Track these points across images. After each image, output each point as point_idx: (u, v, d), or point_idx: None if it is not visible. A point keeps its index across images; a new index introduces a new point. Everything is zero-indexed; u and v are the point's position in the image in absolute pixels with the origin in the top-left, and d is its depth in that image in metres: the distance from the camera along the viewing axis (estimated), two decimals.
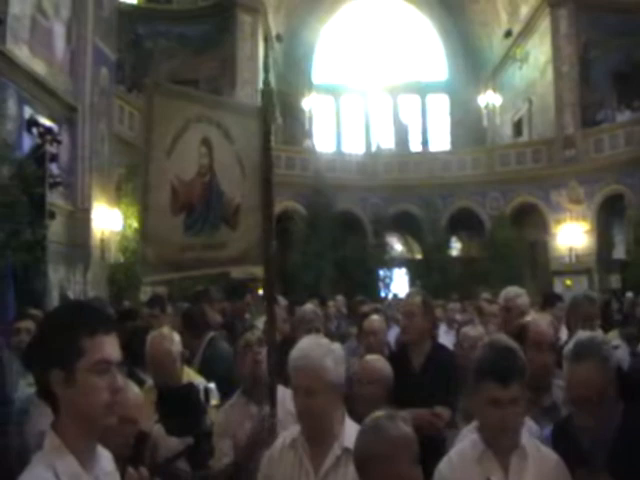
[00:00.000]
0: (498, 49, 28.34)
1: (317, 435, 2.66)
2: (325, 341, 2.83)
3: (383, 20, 32.06)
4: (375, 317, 5.57)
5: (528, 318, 3.91)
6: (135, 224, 14.85)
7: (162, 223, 2.94)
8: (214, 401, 3.11)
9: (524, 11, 25.25)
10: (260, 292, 14.86)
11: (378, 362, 3.84)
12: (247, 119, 3.45)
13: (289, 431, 2.80)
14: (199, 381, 3.53)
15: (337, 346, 2.83)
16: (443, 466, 2.55)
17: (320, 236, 20.77)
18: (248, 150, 3.38)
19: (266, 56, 3.93)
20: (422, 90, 32.21)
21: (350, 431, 2.59)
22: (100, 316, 1.79)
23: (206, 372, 4.26)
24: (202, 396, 2.71)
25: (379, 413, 2.36)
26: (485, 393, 2.41)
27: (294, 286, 17.52)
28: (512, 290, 5.04)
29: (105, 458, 1.84)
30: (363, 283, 18.91)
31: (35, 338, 1.85)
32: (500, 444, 2.45)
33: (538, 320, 3.65)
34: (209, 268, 3.34)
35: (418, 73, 32.28)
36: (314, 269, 19.77)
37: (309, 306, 6.24)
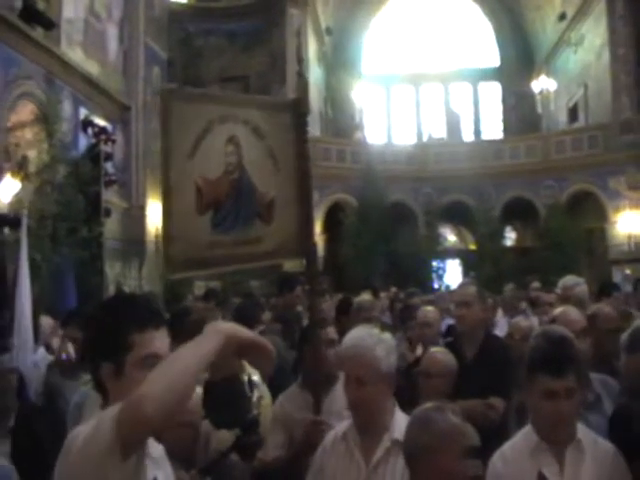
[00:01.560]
0: (551, 33, 27.68)
1: (368, 426, 2.65)
2: (376, 331, 2.81)
3: (432, 8, 31.67)
4: (429, 308, 5.53)
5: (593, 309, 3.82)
6: None
7: (187, 223, 2.98)
8: (258, 392, 3.11)
9: None
10: None
11: (444, 355, 3.78)
12: (280, 113, 3.46)
13: (341, 424, 2.80)
14: (246, 373, 3.55)
15: (388, 336, 2.82)
16: (496, 459, 2.50)
17: (372, 228, 20.66)
18: (281, 143, 3.39)
19: (299, 49, 3.92)
20: (474, 78, 31.71)
21: (400, 422, 2.58)
22: (149, 311, 1.80)
23: None
24: (246, 387, 2.71)
25: (429, 404, 2.33)
26: (539, 385, 2.35)
27: (346, 279, 17.49)
28: (570, 279, 4.94)
29: (153, 445, 1.85)
30: (415, 275, 18.73)
31: (88, 331, 1.87)
32: (555, 437, 2.38)
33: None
34: (242, 263, 3.38)
35: (469, 61, 31.79)
36: (366, 262, 19.70)
37: (366, 296, 6.22)
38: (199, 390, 2.45)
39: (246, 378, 2.62)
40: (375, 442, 2.61)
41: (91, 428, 1.57)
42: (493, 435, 3.15)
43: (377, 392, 2.60)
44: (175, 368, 1.52)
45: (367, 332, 2.77)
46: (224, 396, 1.85)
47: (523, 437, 2.49)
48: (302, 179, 3.45)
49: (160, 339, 1.76)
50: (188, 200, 2.99)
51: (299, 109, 3.48)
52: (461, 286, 4.70)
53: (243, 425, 2.17)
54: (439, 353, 3.83)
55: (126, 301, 1.88)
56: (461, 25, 31.88)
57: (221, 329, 1.63)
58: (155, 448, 1.86)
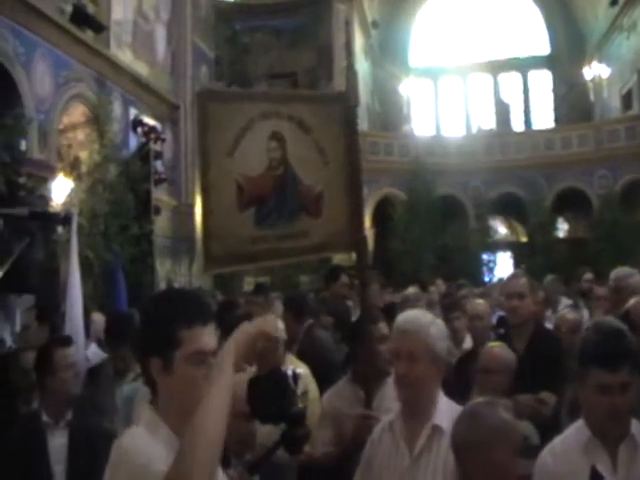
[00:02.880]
0: (603, 19, 26.97)
1: (413, 409, 2.62)
2: (429, 314, 2.80)
3: None
4: (480, 301, 5.44)
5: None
6: None
7: (227, 220, 3.01)
8: (303, 386, 3.10)
9: None
10: None
11: (503, 350, 3.69)
12: (327, 106, 3.45)
13: (389, 414, 2.79)
14: (290, 366, 3.54)
15: (441, 322, 2.80)
16: (546, 454, 2.44)
17: (421, 222, 20.51)
18: (330, 137, 3.38)
19: (348, 41, 3.92)
20: (523, 67, 31.13)
21: (443, 408, 2.58)
22: (198, 307, 1.79)
23: (304, 360, 4.27)
24: (291, 380, 2.71)
25: (479, 400, 2.30)
26: (592, 379, 2.28)
27: (395, 274, 17.39)
28: (623, 270, 4.80)
29: None
30: (465, 268, 18.51)
31: (139, 325, 1.90)
32: (608, 432, 2.31)
33: None
34: (288, 257, 3.40)
35: (518, 49, 31.21)
36: (415, 256, 19.57)
37: (412, 288, 6.18)
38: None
39: (290, 371, 2.61)
40: (418, 430, 2.59)
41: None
42: (545, 430, 3.09)
43: (427, 372, 2.57)
44: (205, 435, 1.57)
45: (421, 312, 2.79)
46: (268, 390, 1.84)
47: (575, 432, 2.42)
48: (352, 172, 3.43)
49: (208, 335, 1.76)
50: (228, 197, 3.03)
51: (348, 101, 3.46)
52: (512, 277, 4.58)
53: (289, 419, 2.16)
54: (498, 348, 3.73)
55: (174, 296, 1.88)
56: (509, 13, 31.32)
57: (230, 353, 1.69)
58: None
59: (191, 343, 1.72)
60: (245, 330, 1.75)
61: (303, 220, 3.29)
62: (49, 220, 6.27)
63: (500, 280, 17.33)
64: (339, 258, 12.72)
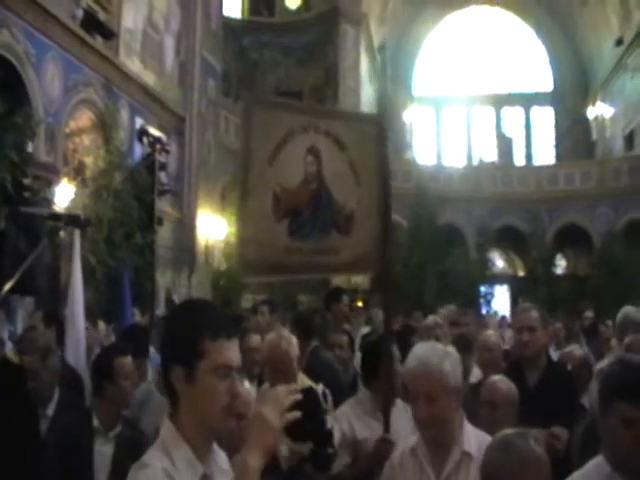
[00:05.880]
0: (608, 58, 27.24)
1: (438, 441, 2.62)
2: (440, 346, 2.81)
3: (486, 30, 31.54)
4: (491, 332, 5.39)
5: None
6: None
7: (263, 227, 3.02)
8: (329, 405, 3.04)
9: (637, 17, 24.14)
10: (360, 304, 14.82)
11: (506, 383, 3.61)
12: (362, 125, 3.47)
13: (408, 439, 2.77)
14: (320, 386, 3.45)
15: (452, 349, 2.81)
16: None
17: (422, 248, 20.50)
18: (363, 156, 3.40)
19: (383, 62, 3.95)
20: (526, 102, 31.39)
21: (469, 435, 2.61)
22: (223, 320, 1.78)
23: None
24: (321, 399, 2.64)
25: (510, 430, 2.25)
26: (616, 413, 2.22)
27: (397, 298, 17.28)
28: (631, 309, 4.80)
29: (221, 457, 1.84)
30: (465, 298, 18.45)
31: (163, 332, 1.84)
32: (631, 468, 2.23)
33: None
34: (317, 273, 3.40)
35: (522, 84, 31.49)
36: (417, 281, 19.54)
37: (432, 317, 6.17)
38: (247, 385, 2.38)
39: (320, 390, 2.54)
40: (445, 455, 2.59)
41: None
42: (557, 466, 3.00)
43: (446, 407, 2.56)
44: None
45: (431, 347, 2.75)
46: (299, 408, 1.76)
47: (595, 468, 2.35)
48: (383, 194, 3.43)
49: (232, 350, 1.74)
50: (265, 205, 3.04)
51: (382, 123, 3.45)
52: (523, 310, 4.51)
53: (319, 438, 2.09)
54: (501, 381, 3.67)
55: (200, 307, 1.85)
56: (514, 47, 31.66)
57: (255, 456, 1.65)
58: (221, 458, 1.84)
59: (215, 355, 1.70)
60: (266, 423, 1.67)
61: (334, 237, 3.29)
62: (68, 223, 6.19)
63: (497, 313, 17.34)
64: (338, 280, 12.64)
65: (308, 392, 2.83)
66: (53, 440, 3.35)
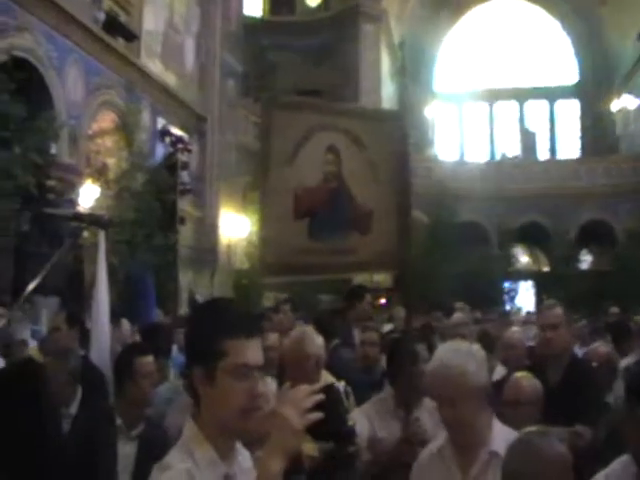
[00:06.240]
0: (632, 50, 26.89)
1: (465, 442, 2.57)
2: (464, 345, 2.75)
3: (508, 24, 31.23)
4: (515, 329, 5.35)
5: None
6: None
7: (282, 228, 3.01)
8: (350, 402, 3.03)
9: None
10: (382, 302, 14.77)
11: (530, 380, 3.56)
12: (382, 123, 3.44)
13: (436, 440, 2.73)
14: (342, 383, 3.45)
15: (476, 347, 2.76)
16: None
17: (442, 246, 20.37)
18: (383, 155, 3.37)
19: (403, 59, 3.92)
20: (550, 95, 31.06)
21: (498, 434, 2.53)
22: (243, 319, 1.76)
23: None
24: (343, 396, 2.64)
25: (532, 429, 2.20)
26: None
27: (417, 296, 17.19)
28: None
29: (244, 456, 1.83)
30: (487, 295, 18.31)
31: (185, 332, 1.85)
32: None
33: None
34: (336, 273, 3.41)
35: (546, 78, 31.16)
36: (436, 280, 19.40)
37: (458, 314, 6.12)
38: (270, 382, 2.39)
39: (342, 387, 2.54)
40: (472, 456, 2.53)
41: None
42: (580, 465, 2.97)
43: (470, 409, 2.49)
44: None
45: (454, 349, 2.69)
46: (321, 407, 1.75)
47: (620, 467, 2.31)
48: (403, 192, 3.41)
49: (252, 349, 1.72)
50: (285, 205, 3.02)
51: (403, 120, 3.44)
52: (546, 308, 4.48)
53: (341, 436, 2.08)
54: (525, 379, 3.61)
55: (219, 307, 1.84)
56: (538, 41, 31.32)
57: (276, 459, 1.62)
58: (244, 456, 1.83)
59: (234, 355, 1.68)
60: (287, 425, 1.64)
61: (352, 236, 3.27)
62: (92, 224, 6.26)
63: (519, 309, 17.20)
64: (360, 278, 12.59)
65: (329, 389, 2.81)
66: (75, 439, 3.37)
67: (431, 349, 3.92)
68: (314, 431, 1.96)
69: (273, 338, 4.36)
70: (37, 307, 7.03)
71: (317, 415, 1.66)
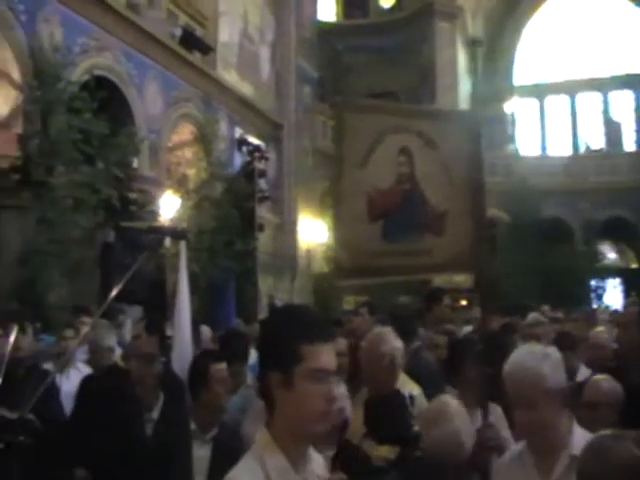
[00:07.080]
0: None
1: (544, 446, 2.53)
2: (539, 347, 2.68)
3: (588, 12, 30.24)
4: (601, 329, 5.21)
5: None
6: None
7: (357, 231, 3.06)
8: (418, 407, 3.02)
9: None
10: (463, 303, 14.56)
11: (609, 382, 3.47)
12: (454, 124, 3.41)
13: (517, 444, 2.71)
14: (407, 388, 3.44)
15: (553, 350, 2.66)
16: None
17: (525, 244, 19.89)
18: (456, 156, 3.36)
19: (479, 55, 3.86)
20: (635, 83, 29.86)
21: (579, 438, 2.43)
22: (320, 324, 1.78)
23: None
24: (408, 402, 2.65)
25: (606, 432, 2.12)
26: None
27: (497, 297, 16.87)
28: None
29: (317, 462, 1.84)
30: (572, 294, 17.76)
31: (260, 339, 1.89)
32: None
33: None
34: (410, 274, 3.36)
35: (630, 66, 29.98)
36: (518, 279, 18.96)
37: (533, 314, 6.03)
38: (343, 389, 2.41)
39: (407, 393, 2.55)
40: (553, 460, 2.49)
41: None
42: None
43: (547, 413, 2.46)
44: None
45: (529, 351, 2.63)
46: (386, 411, 1.77)
47: None
48: (476, 193, 3.41)
49: (328, 353, 1.73)
50: (359, 208, 3.09)
51: (475, 120, 3.43)
52: (629, 306, 4.35)
53: (406, 441, 2.10)
54: (604, 381, 3.52)
55: (296, 312, 1.87)
56: (619, 29, 30.18)
57: None
58: (317, 463, 1.84)
59: (312, 360, 1.70)
60: None
61: (427, 238, 3.29)
62: (167, 235, 6.46)
63: (607, 308, 16.57)
64: (440, 280, 12.48)
65: (395, 396, 2.81)
66: (156, 442, 3.50)
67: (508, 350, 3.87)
68: (380, 435, 1.99)
69: (343, 343, 4.38)
70: (122, 316, 7.31)
71: None
